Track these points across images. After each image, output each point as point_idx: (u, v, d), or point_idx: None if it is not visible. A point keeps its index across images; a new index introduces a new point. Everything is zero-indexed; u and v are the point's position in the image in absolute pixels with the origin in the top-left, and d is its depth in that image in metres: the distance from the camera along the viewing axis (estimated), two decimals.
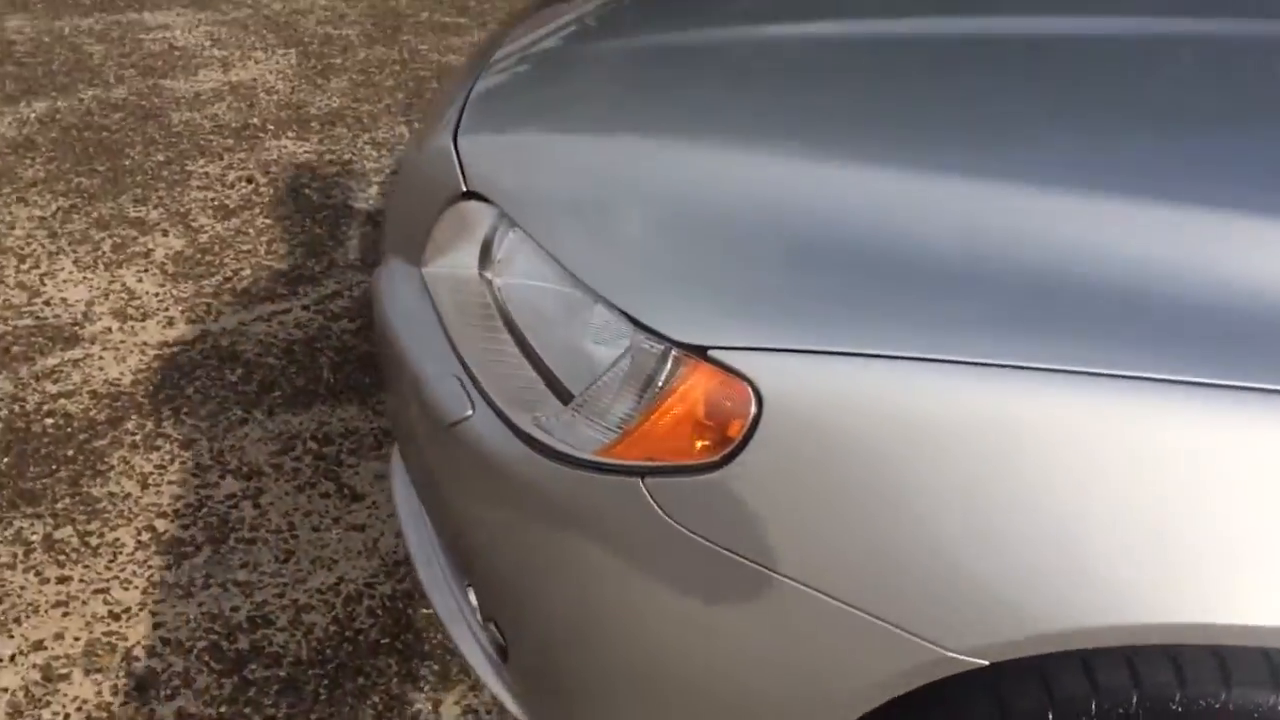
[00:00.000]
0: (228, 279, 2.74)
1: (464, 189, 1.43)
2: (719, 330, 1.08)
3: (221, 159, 3.31)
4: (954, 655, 0.99)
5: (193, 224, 2.97)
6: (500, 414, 1.27)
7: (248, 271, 2.77)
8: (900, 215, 1.13)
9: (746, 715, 1.15)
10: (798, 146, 1.27)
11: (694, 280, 1.16)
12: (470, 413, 1.29)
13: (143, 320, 2.58)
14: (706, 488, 1.08)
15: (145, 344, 2.50)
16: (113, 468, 2.15)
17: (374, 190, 3.18)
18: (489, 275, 1.44)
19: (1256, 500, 0.92)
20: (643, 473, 1.12)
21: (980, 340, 1.00)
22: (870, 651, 1.04)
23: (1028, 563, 0.97)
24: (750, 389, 1.05)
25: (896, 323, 1.03)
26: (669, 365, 1.11)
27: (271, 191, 3.14)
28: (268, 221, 2.99)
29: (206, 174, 3.22)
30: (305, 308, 2.66)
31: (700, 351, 1.08)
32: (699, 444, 1.09)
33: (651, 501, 1.11)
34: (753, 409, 1.05)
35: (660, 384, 1.11)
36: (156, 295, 2.67)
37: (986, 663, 0.99)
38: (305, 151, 3.36)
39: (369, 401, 2.37)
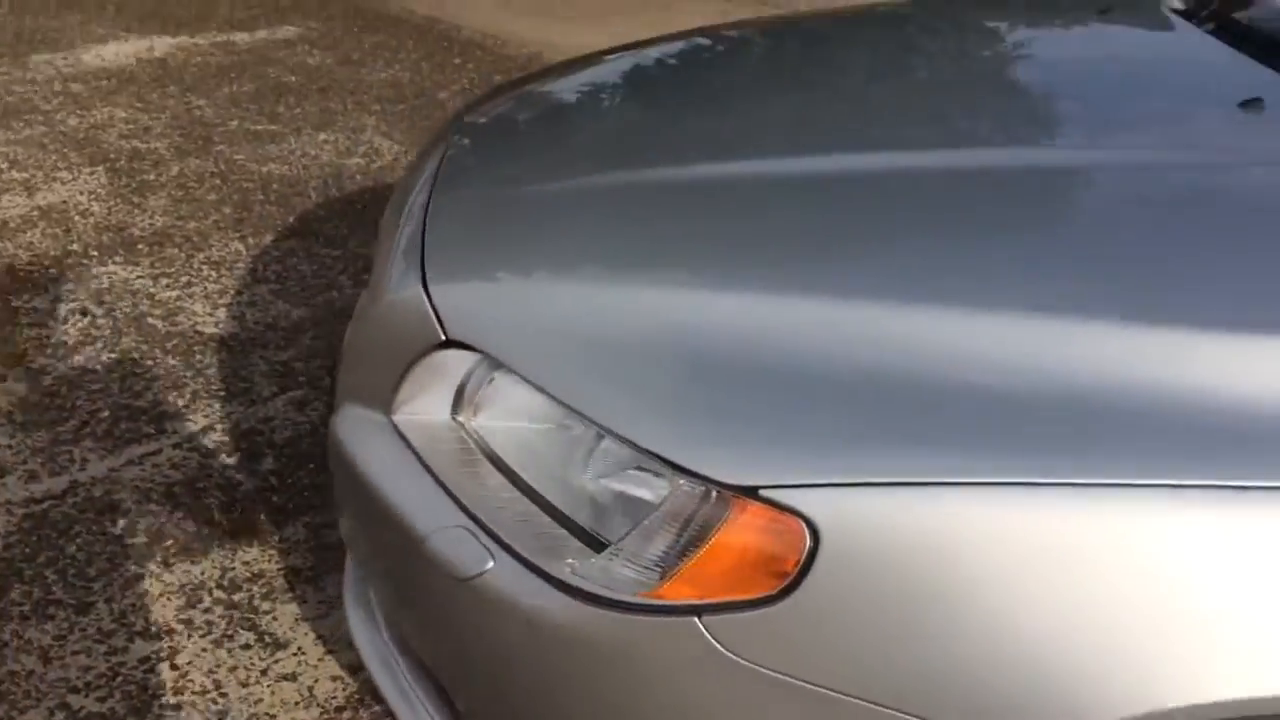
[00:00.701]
0: (85, 422, 2.60)
1: (443, 338, 1.43)
2: (767, 470, 1.13)
3: (47, 291, 3.13)
4: None
5: (32, 366, 2.79)
6: (527, 563, 1.28)
7: (106, 412, 2.63)
8: (898, 343, 1.22)
9: None
10: (789, 280, 1.35)
11: (726, 418, 1.21)
12: (491, 564, 1.29)
13: (1, 477, 2.40)
14: (766, 620, 1.13)
15: (9, 503, 2.33)
16: (6, 644, 2.00)
17: (222, 313, 3.07)
18: (463, 419, 1.45)
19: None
20: (699, 611, 1.16)
21: (1002, 459, 1.10)
22: None
23: (1067, 661, 1.06)
24: (803, 523, 1.11)
25: (928, 448, 1.11)
26: (716, 506, 1.15)
27: (111, 322, 2.99)
28: (114, 356, 2.85)
29: (35, 309, 3.04)
30: (177, 446, 2.55)
31: (750, 492, 1.13)
32: (755, 580, 1.14)
33: (710, 638, 1.15)
34: (808, 542, 1.11)
35: (708, 524, 1.15)
36: (10, 448, 2.50)
37: None
38: (138, 276, 3.23)
39: (269, 541, 2.29)
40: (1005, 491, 1.07)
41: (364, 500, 1.50)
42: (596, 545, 1.28)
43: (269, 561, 2.24)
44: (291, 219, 3.65)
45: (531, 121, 2.02)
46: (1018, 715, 1.07)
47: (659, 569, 1.19)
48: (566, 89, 2.15)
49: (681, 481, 1.18)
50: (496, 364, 1.41)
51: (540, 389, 1.35)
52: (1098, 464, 1.08)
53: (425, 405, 1.50)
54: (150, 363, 2.84)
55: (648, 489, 1.25)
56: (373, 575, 1.61)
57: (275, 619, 2.10)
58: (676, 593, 1.17)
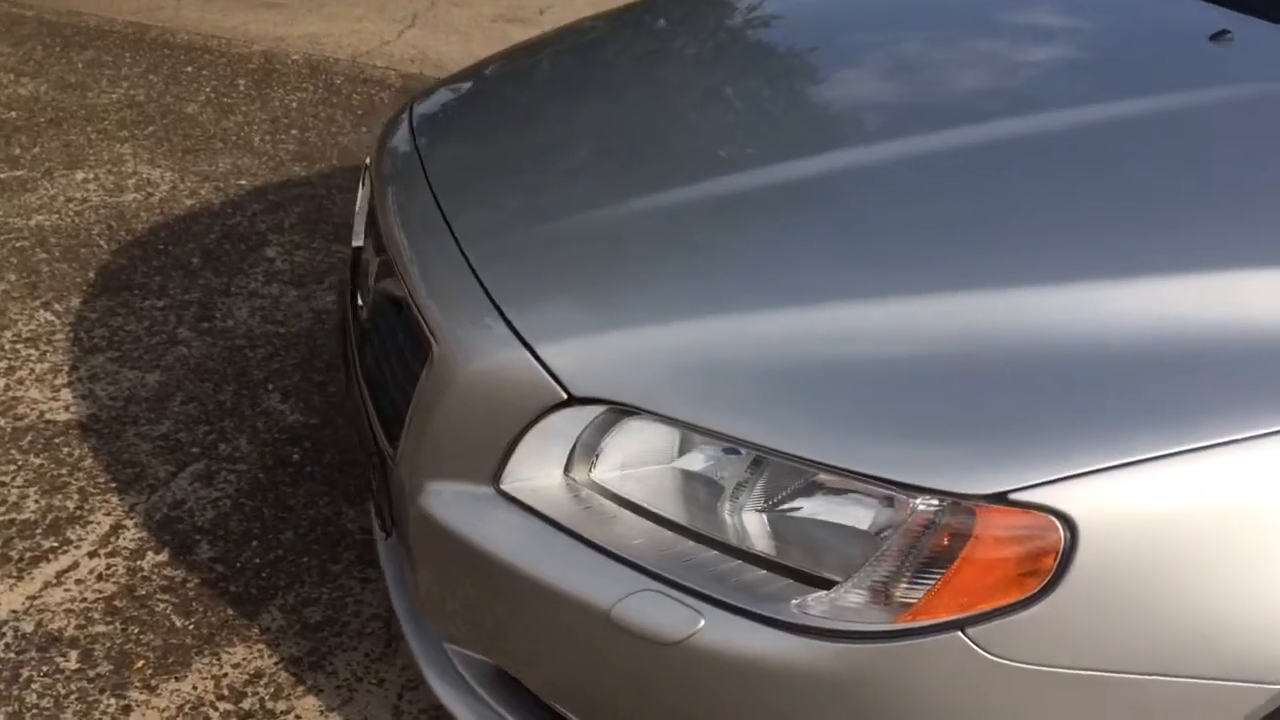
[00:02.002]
0: None
1: (565, 397, 1.36)
2: (1013, 473, 1.16)
3: None
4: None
5: None
6: (743, 612, 1.25)
7: None
8: (1077, 325, 1.27)
9: None
10: (936, 276, 1.36)
11: (944, 430, 1.21)
12: (702, 623, 1.25)
13: None
14: (1031, 620, 1.16)
15: None
16: None
17: (67, 395, 2.76)
18: (578, 476, 1.39)
19: None
20: (962, 625, 1.17)
21: (1220, 421, 1.17)
22: (1213, 706, 1.18)
23: None
24: (1056, 519, 1.14)
25: (1151, 419, 1.17)
26: (962, 518, 1.17)
27: None
28: None
29: None
30: (92, 554, 2.28)
31: (999, 499, 1.15)
32: (1014, 583, 1.16)
33: (976, 648, 1.17)
34: (1063, 536, 1.14)
35: (957, 538, 1.17)
36: None
37: None
38: None
39: (250, 635, 2.10)
40: (1241, 447, 1.14)
41: (497, 579, 1.41)
42: (803, 579, 1.26)
43: (261, 658, 2.06)
44: (92, 274, 3.30)
45: (514, 129, 1.92)
46: None
47: (911, 591, 1.19)
48: (533, 85, 2.07)
49: (917, 501, 1.19)
50: (622, 412, 1.36)
51: (697, 427, 1.31)
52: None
53: (539, 469, 1.42)
54: (13, 467, 2.51)
55: (850, 513, 1.24)
56: (503, 653, 1.51)
57: (299, 716, 1.94)
58: (935, 610, 1.18)
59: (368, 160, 2.12)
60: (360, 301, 1.83)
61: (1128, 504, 1.15)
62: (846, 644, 1.21)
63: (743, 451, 1.32)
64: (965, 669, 1.18)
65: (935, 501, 1.18)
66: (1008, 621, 1.17)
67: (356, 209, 2.14)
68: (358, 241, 2.09)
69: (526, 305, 1.45)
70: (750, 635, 1.25)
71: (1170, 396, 1.19)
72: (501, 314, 1.44)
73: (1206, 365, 1.22)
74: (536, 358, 1.39)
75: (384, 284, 1.71)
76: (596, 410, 1.37)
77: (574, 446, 1.41)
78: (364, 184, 2.10)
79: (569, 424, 1.39)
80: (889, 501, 1.21)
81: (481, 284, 1.49)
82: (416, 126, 1.96)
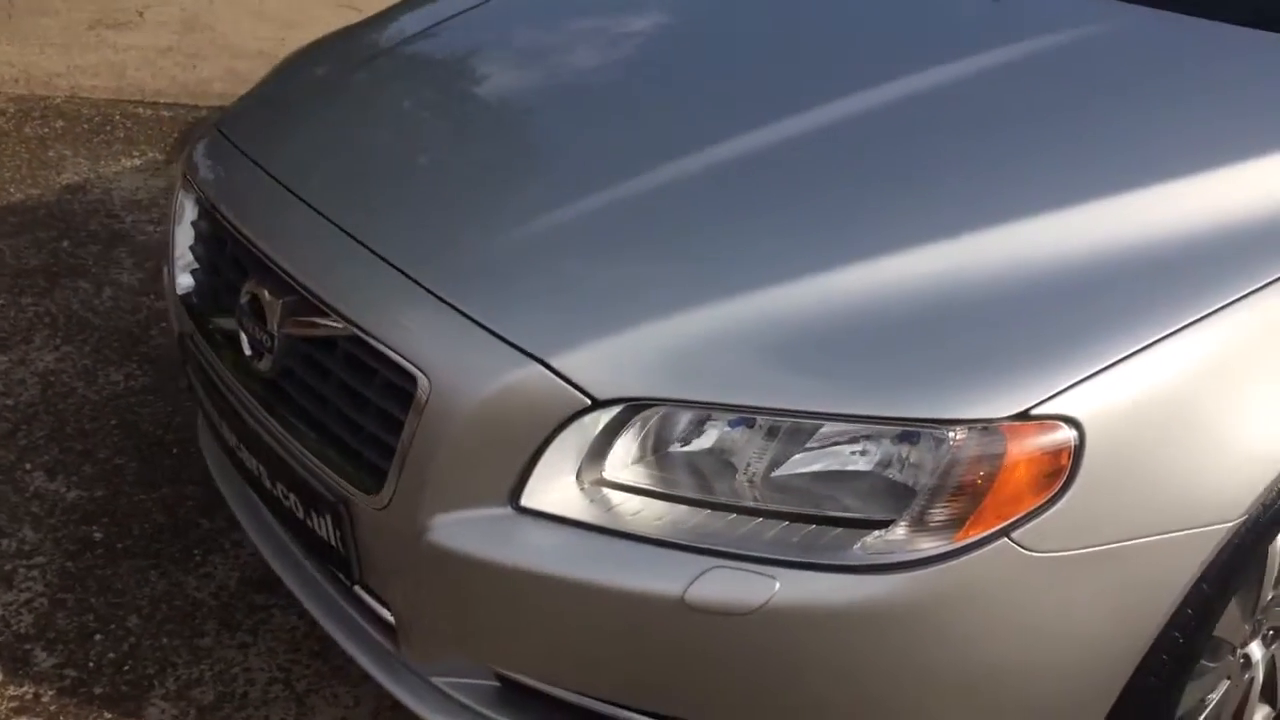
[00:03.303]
0: None
1: (589, 403, 1.39)
2: (1031, 392, 1.34)
3: None
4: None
5: None
6: (811, 565, 1.36)
7: None
8: (1050, 246, 1.47)
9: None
10: (921, 219, 1.52)
11: (949, 367, 1.37)
12: (777, 584, 1.35)
13: None
14: (1060, 513, 1.36)
15: None
16: None
17: None
18: (599, 475, 1.44)
19: None
20: (1007, 532, 1.35)
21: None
22: (1192, 550, 1.42)
23: None
24: (1066, 424, 1.34)
25: (1121, 325, 1.39)
26: (994, 441, 1.33)
27: None
28: None
29: None
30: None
31: (1023, 416, 1.33)
32: (1041, 485, 1.35)
33: (1021, 549, 1.35)
34: (1073, 435, 1.34)
35: (994, 458, 1.33)
36: None
37: None
38: None
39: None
40: (1203, 325, 1.38)
41: (539, 594, 1.43)
42: (849, 525, 1.38)
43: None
44: None
45: (381, 136, 1.86)
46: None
47: (960, 512, 1.34)
48: (380, 86, 2.01)
49: (953, 433, 1.33)
50: (637, 408, 1.41)
51: (719, 405, 1.39)
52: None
53: (554, 479, 1.44)
54: None
55: (884, 456, 1.38)
56: (539, 666, 1.51)
57: None
58: (984, 524, 1.34)
59: (184, 201, 1.97)
60: (250, 350, 1.72)
61: (1116, 397, 1.35)
62: (913, 572, 1.34)
63: (758, 420, 1.41)
64: (1015, 569, 1.35)
65: (968, 431, 1.33)
66: (1041, 520, 1.35)
67: (177, 254, 1.98)
68: (181, 285, 1.94)
69: (521, 320, 1.44)
70: (824, 585, 1.35)
71: (1126, 302, 1.41)
72: (495, 334, 1.43)
73: (1141, 273, 1.45)
74: (551, 370, 1.40)
75: (299, 326, 1.63)
76: (613, 410, 1.41)
77: (587, 450, 1.44)
78: (192, 223, 1.95)
79: (587, 429, 1.42)
80: (921, 439, 1.35)
81: (456, 308, 1.47)
82: (256, 151, 1.85)
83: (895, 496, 1.36)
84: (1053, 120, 1.70)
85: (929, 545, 1.35)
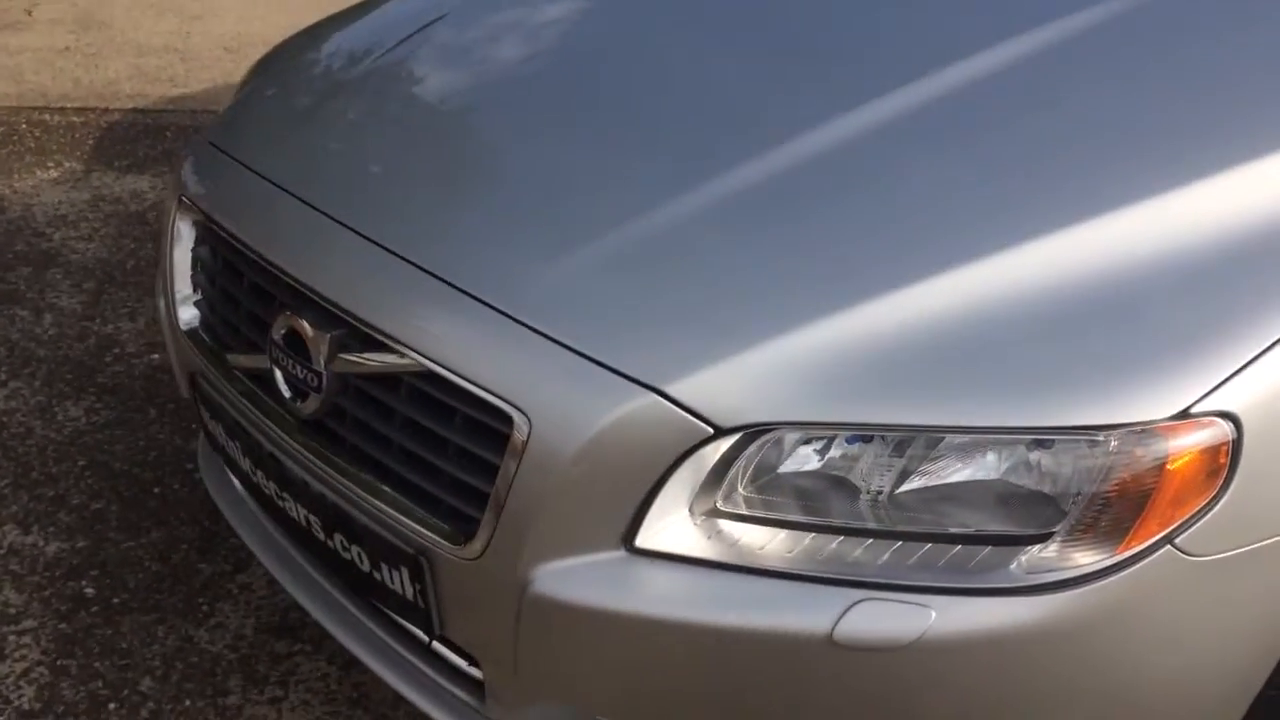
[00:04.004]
0: None
1: (711, 432, 1.28)
2: (1189, 389, 1.26)
3: None
4: None
5: None
6: (967, 591, 1.27)
7: None
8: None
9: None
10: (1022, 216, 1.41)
11: (1092, 367, 1.28)
12: (934, 614, 1.26)
13: None
14: (1220, 513, 1.28)
15: None
16: None
17: None
18: (712, 507, 1.33)
19: None
20: (1170, 539, 1.27)
21: None
22: None
23: None
24: (1223, 419, 1.27)
25: (1266, 308, 1.31)
26: (1153, 443, 1.25)
27: None
28: None
29: None
30: None
31: (1183, 415, 1.25)
32: (1202, 487, 1.27)
33: (1183, 555, 1.27)
34: (1231, 430, 1.27)
35: (1153, 462, 1.25)
36: None
37: None
38: None
39: None
40: None
41: (662, 640, 1.31)
42: (996, 542, 1.29)
43: None
44: None
45: (414, 144, 1.70)
46: None
47: (1121, 523, 1.26)
48: (396, 89, 1.85)
49: (1107, 438, 1.25)
50: (756, 433, 1.30)
51: (850, 425, 1.29)
52: None
53: (666, 515, 1.32)
54: None
55: (1035, 467, 1.28)
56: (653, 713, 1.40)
57: None
58: (1146, 533, 1.26)
59: (179, 226, 1.78)
60: (289, 390, 1.55)
61: (1266, 387, 1.28)
62: (1077, 589, 1.25)
63: (887, 437, 1.31)
64: (1178, 577, 1.27)
65: (1125, 435, 1.24)
66: (1203, 522, 1.27)
67: (177, 285, 1.79)
68: (185, 319, 1.77)
69: (626, 347, 1.31)
70: (983, 610, 1.25)
71: (1257, 288, 1.33)
72: (602, 364, 1.30)
73: (1263, 257, 1.37)
74: (669, 399, 1.27)
75: (354, 363, 1.47)
76: (732, 438, 1.29)
77: (701, 482, 1.32)
78: (192, 249, 1.77)
79: (705, 460, 1.30)
80: (1069, 446, 1.26)
81: (551, 337, 1.33)
82: (269, 168, 1.68)
83: (1041, 510, 1.27)
84: (1128, 99, 1.60)
85: (1090, 559, 1.26)
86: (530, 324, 1.34)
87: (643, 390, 1.28)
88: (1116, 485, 1.25)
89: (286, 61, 2.06)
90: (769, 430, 1.30)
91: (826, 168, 1.48)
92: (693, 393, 1.28)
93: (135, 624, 2.10)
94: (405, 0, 2.15)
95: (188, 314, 1.79)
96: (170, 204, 1.82)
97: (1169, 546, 1.26)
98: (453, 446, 1.40)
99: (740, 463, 1.32)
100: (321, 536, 1.58)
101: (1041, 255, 1.36)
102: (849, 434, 1.31)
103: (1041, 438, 1.27)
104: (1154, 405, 1.25)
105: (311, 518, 1.58)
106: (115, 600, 2.16)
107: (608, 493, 1.31)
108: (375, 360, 1.45)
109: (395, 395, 1.44)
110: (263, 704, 1.95)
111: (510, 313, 1.36)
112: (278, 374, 1.57)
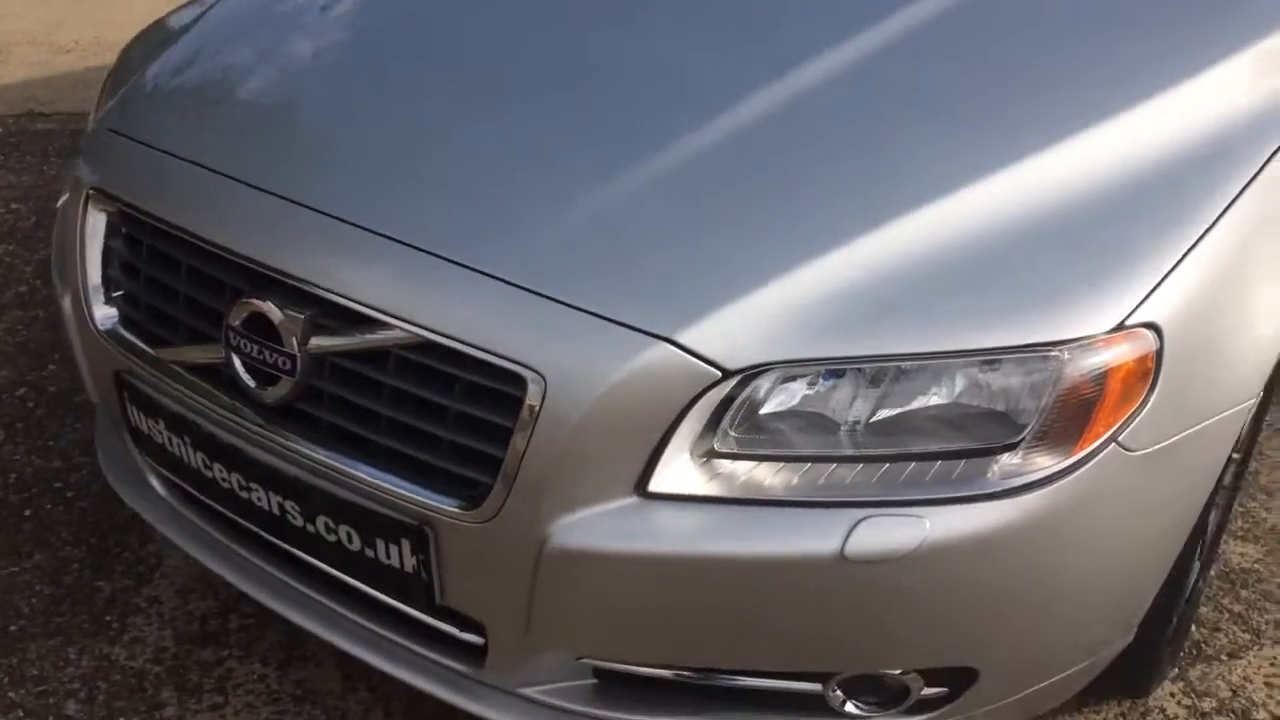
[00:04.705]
0: None
1: (719, 375, 1.36)
2: (1123, 303, 1.43)
3: None
4: None
5: None
6: (955, 499, 1.40)
7: None
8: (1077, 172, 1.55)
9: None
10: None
11: (1043, 289, 1.43)
12: (928, 523, 1.38)
13: None
14: (1151, 411, 1.47)
15: None
16: None
17: None
18: (710, 447, 1.42)
19: None
20: (1114, 437, 1.44)
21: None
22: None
23: None
24: (1149, 329, 1.45)
25: (1165, 229, 1.50)
26: (1098, 354, 1.42)
27: None
28: None
29: None
30: None
31: (1120, 327, 1.43)
32: (1135, 389, 1.45)
33: (1126, 451, 1.45)
34: (1155, 338, 1.45)
35: (1100, 370, 1.42)
36: None
37: None
38: None
39: None
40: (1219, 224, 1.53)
41: (684, 578, 1.39)
42: (968, 455, 1.43)
43: None
44: None
45: (347, 117, 1.69)
46: None
47: (1075, 426, 1.42)
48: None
49: (1060, 352, 1.40)
50: (758, 372, 1.39)
51: (846, 359, 1.39)
52: None
53: (674, 460, 1.40)
54: None
55: (998, 382, 1.42)
56: (667, 650, 1.47)
57: None
58: (1096, 434, 1.42)
59: (93, 221, 1.71)
60: (251, 378, 1.53)
61: (1177, 298, 1.47)
62: (1045, 488, 1.39)
63: (865, 368, 1.42)
64: (1124, 471, 1.44)
65: (1074, 350, 1.40)
66: (1138, 421, 1.44)
67: (91, 283, 1.72)
68: (103, 317, 1.70)
69: (628, 301, 1.37)
70: (969, 516, 1.38)
71: (1162, 210, 1.52)
72: (609, 319, 1.35)
73: (1161, 183, 1.56)
74: (680, 347, 1.34)
75: (334, 342, 1.47)
76: (734, 380, 1.38)
77: (702, 425, 1.40)
78: (108, 244, 1.70)
79: (710, 403, 1.38)
80: (1020, 363, 1.41)
81: (553, 298, 1.37)
82: (197, 152, 1.64)
83: (1005, 423, 1.41)
84: (1041, 46, 1.77)
85: (1051, 462, 1.41)
86: (531, 287, 1.38)
87: (654, 341, 1.34)
88: (1068, 394, 1.41)
89: (173, 39, 1.98)
90: (764, 371, 1.38)
91: (781, 124, 1.58)
92: (701, 339, 1.35)
93: (42, 649, 1.99)
94: None
95: (104, 312, 1.72)
96: (74, 198, 1.74)
97: (1114, 445, 1.43)
98: (453, 414, 1.42)
99: (735, 404, 1.40)
100: (300, 522, 1.56)
101: (983, 195, 1.50)
102: (825, 369, 1.42)
103: (1000, 358, 1.41)
104: (1095, 321, 1.41)
105: (287, 504, 1.56)
106: (12, 628, 2.03)
107: (621, 443, 1.36)
108: (360, 337, 1.45)
109: (382, 369, 1.45)
110: (204, 712, 1.89)
111: (504, 276, 1.39)
112: (237, 362, 1.54)
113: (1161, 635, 1.82)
